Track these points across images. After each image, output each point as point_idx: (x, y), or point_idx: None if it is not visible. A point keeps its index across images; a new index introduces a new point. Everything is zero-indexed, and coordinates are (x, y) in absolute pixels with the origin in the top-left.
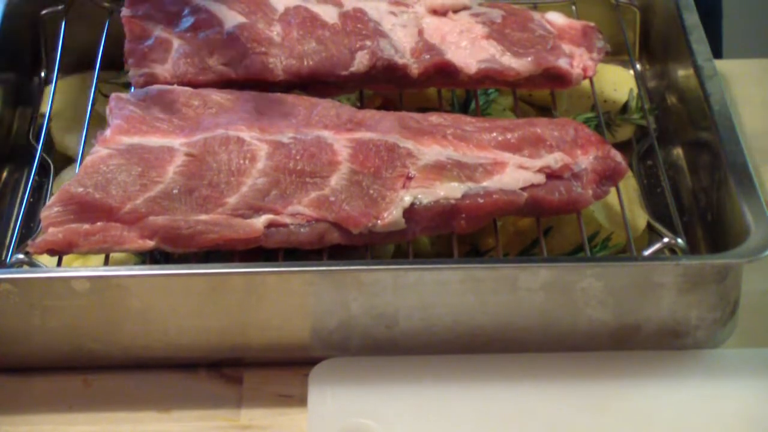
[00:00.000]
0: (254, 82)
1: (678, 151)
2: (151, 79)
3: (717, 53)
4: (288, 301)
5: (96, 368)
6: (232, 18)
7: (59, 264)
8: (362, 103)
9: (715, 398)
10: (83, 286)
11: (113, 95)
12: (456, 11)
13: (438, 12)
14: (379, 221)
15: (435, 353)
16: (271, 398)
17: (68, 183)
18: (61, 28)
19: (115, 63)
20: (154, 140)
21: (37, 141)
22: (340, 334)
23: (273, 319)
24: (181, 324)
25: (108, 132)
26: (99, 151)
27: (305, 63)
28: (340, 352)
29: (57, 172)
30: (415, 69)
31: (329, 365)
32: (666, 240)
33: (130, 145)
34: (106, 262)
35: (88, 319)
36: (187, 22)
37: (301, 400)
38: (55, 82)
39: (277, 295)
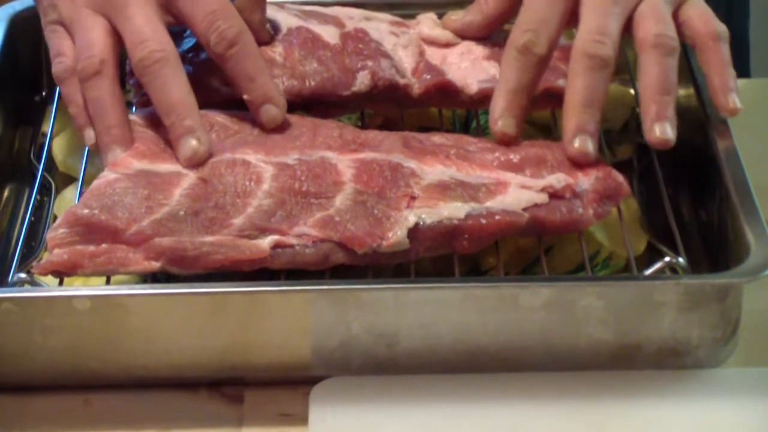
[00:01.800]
0: None
1: (679, 170)
2: None
3: (744, 72)
4: (289, 320)
5: (97, 387)
6: None
7: (61, 283)
8: (363, 122)
9: (717, 418)
10: (84, 305)
11: None
12: (448, 45)
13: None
14: (383, 241)
15: (436, 372)
16: (272, 417)
17: (74, 205)
18: None
19: None
20: (162, 165)
21: (39, 160)
22: (341, 353)
23: (274, 338)
24: (182, 343)
25: (123, 155)
26: (106, 174)
27: (307, 83)
28: (341, 371)
29: (58, 192)
30: (416, 89)
31: (330, 384)
32: (667, 259)
33: (138, 169)
34: (108, 281)
35: (89, 339)
36: (189, 42)
37: (302, 419)
38: (57, 102)
39: (278, 314)
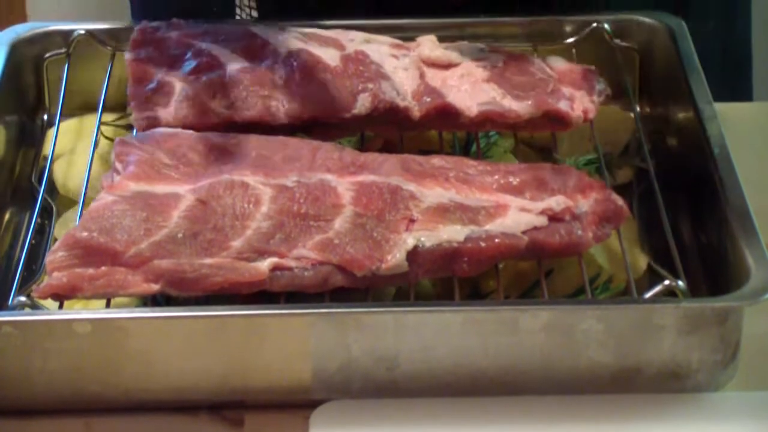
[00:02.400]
0: (257, 125)
1: (678, 193)
2: (154, 122)
3: (746, 95)
4: (289, 344)
5: (97, 411)
6: (234, 61)
7: (61, 306)
8: (363, 145)
9: None
10: (84, 328)
11: (118, 139)
12: (448, 67)
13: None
14: (382, 264)
15: (436, 396)
16: None
17: (73, 228)
18: (64, 72)
19: (117, 105)
20: (159, 187)
21: (40, 183)
22: (341, 376)
23: (274, 362)
24: (182, 366)
25: (119, 178)
26: (104, 197)
27: (307, 106)
28: (341, 395)
29: (59, 215)
30: (416, 111)
31: (330, 408)
32: (667, 282)
33: (136, 192)
34: (108, 305)
35: (89, 362)
36: (190, 65)
37: None
38: (58, 125)
39: (278, 338)
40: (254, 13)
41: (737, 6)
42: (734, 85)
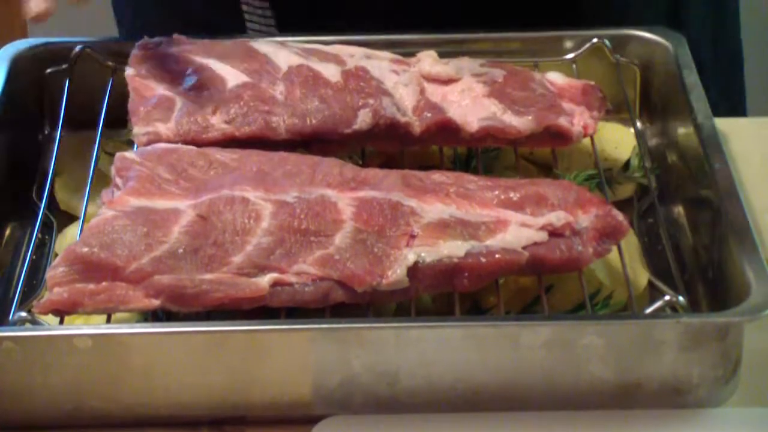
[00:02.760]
0: (257, 141)
1: (679, 209)
2: (155, 138)
3: (741, 111)
4: (290, 359)
5: (98, 426)
6: (235, 76)
7: (61, 321)
8: (364, 161)
9: None
10: (85, 343)
11: (118, 155)
12: (448, 83)
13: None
14: (383, 280)
15: (437, 411)
16: None
17: (74, 243)
18: (64, 87)
19: (117, 121)
20: (160, 202)
21: (40, 198)
22: (342, 391)
23: (275, 377)
24: (183, 382)
25: (119, 193)
26: (105, 212)
27: (308, 121)
28: (342, 410)
29: (60, 230)
30: (417, 127)
31: (331, 423)
32: (667, 298)
33: (136, 207)
34: (109, 320)
35: (90, 377)
36: (191, 80)
37: None
38: (59, 140)
39: (278, 353)
40: (271, 21)
41: (726, 19)
42: (727, 99)
